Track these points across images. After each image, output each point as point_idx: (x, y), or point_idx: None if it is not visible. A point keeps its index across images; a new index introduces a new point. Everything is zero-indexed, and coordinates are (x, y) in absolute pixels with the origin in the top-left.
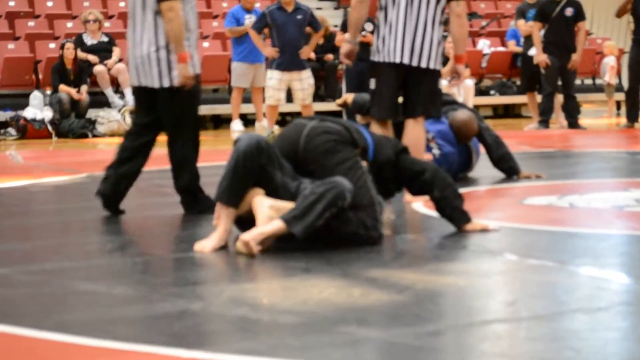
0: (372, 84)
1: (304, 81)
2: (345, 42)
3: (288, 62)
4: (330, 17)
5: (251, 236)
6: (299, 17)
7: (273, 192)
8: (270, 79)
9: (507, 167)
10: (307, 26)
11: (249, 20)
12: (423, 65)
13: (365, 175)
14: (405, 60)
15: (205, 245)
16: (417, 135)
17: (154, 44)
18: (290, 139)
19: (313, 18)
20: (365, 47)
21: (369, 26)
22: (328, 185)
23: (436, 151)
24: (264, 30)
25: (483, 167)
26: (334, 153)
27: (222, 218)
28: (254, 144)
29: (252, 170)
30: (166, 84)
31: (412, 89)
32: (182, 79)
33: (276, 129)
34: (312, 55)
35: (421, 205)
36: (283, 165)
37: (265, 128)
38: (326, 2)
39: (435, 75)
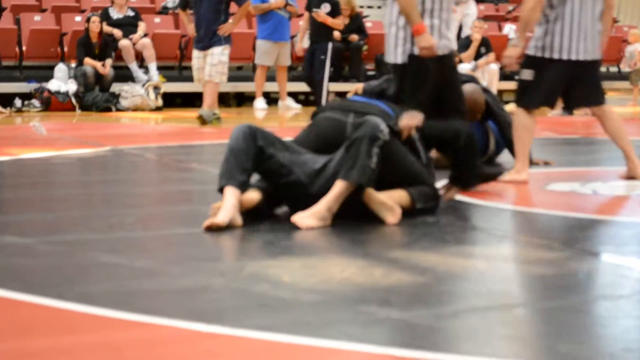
0: (528, 75)
1: (214, 57)
2: (512, 46)
3: (202, 40)
4: None
5: (313, 212)
6: None
7: (287, 174)
8: (192, 58)
9: None
10: (226, 2)
11: None
12: (597, 56)
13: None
14: (581, 57)
15: (216, 220)
16: (619, 122)
17: (387, 20)
18: (331, 139)
19: None
20: (319, 28)
21: (325, 7)
22: (359, 127)
23: None
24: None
25: (505, 153)
26: (388, 153)
27: (226, 196)
28: (245, 127)
29: (249, 151)
30: (392, 59)
31: (584, 81)
32: (420, 50)
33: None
34: (338, 36)
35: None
36: (290, 147)
37: (289, 108)
38: None
39: (600, 63)
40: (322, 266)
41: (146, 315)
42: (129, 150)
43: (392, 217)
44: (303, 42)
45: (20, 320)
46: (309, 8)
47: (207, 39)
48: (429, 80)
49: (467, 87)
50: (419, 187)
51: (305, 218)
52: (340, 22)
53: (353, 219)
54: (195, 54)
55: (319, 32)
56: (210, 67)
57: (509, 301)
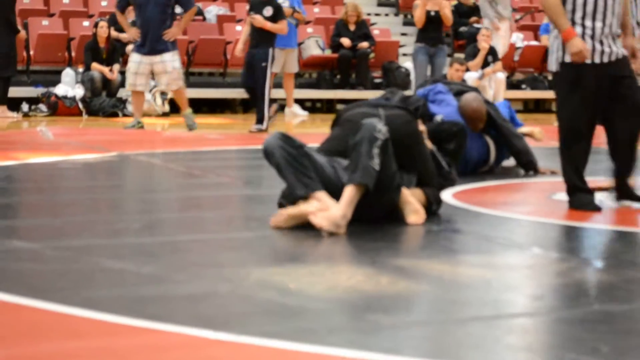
0: None
1: (167, 64)
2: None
3: (147, 44)
4: (364, 5)
5: (327, 216)
6: None
7: (321, 172)
8: (129, 62)
9: (527, 161)
10: (173, 4)
11: (283, 4)
12: None
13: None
14: None
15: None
16: None
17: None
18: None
19: None
20: (259, 32)
21: (268, 10)
22: (356, 133)
23: None
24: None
25: (511, 160)
26: (418, 144)
27: (321, 199)
28: (276, 135)
29: (296, 154)
30: (549, 68)
31: None
32: (571, 56)
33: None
34: (348, 43)
35: (450, 197)
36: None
37: (296, 114)
38: None
39: None
40: (329, 273)
41: (152, 321)
42: (136, 156)
43: (415, 218)
44: (242, 47)
45: (25, 325)
46: (250, 12)
47: (152, 44)
48: (581, 89)
49: (468, 96)
50: (432, 189)
51: (322, 218)
52: (281, 27)
53: (360, 226)
54: (136, 57)
55: (260, 36)
56: (167, 75)
57: (515, 310)
